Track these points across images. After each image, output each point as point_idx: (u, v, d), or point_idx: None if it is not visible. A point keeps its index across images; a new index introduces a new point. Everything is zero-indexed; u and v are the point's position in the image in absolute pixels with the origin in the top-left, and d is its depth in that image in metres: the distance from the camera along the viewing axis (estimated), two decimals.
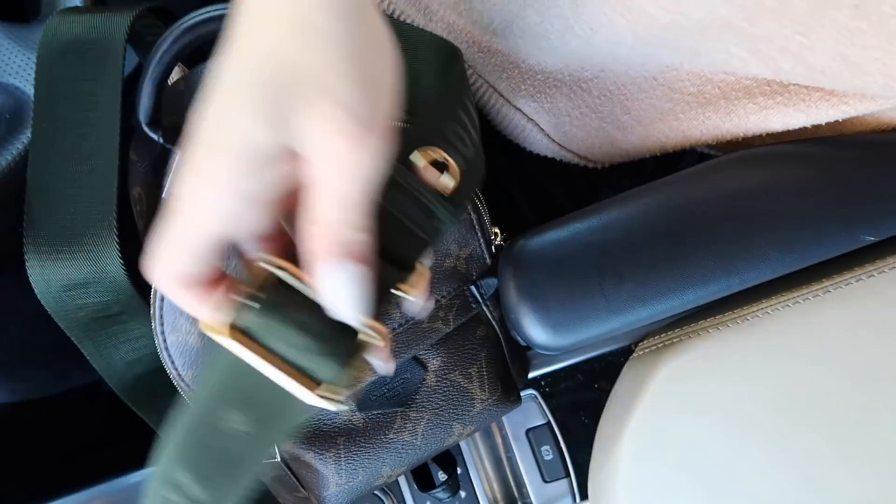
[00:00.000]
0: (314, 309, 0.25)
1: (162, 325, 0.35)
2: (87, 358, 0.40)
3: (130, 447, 0.46)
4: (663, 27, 0.33)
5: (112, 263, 0.37)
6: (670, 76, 0.39)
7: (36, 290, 0.37)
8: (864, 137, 0.36)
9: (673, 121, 0.40)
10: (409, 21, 0.47)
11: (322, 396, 0.25)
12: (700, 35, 0.33)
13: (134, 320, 0.40)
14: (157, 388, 0.41)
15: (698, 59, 0.36)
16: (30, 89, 0.40)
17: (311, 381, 0.25)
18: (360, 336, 0.25)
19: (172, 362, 0.36)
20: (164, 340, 0.35)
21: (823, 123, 0.36)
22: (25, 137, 0.40)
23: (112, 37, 0.36)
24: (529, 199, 0.51)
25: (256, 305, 0.24)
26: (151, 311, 0.35)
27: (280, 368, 0.25)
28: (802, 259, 0.34)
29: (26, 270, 0.40)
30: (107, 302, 0.38)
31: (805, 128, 0.37)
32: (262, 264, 0.25)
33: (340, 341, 0.25)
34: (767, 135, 0.39)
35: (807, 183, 0.35)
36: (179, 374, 0.36)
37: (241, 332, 0.25)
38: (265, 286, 0.25)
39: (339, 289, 0.24)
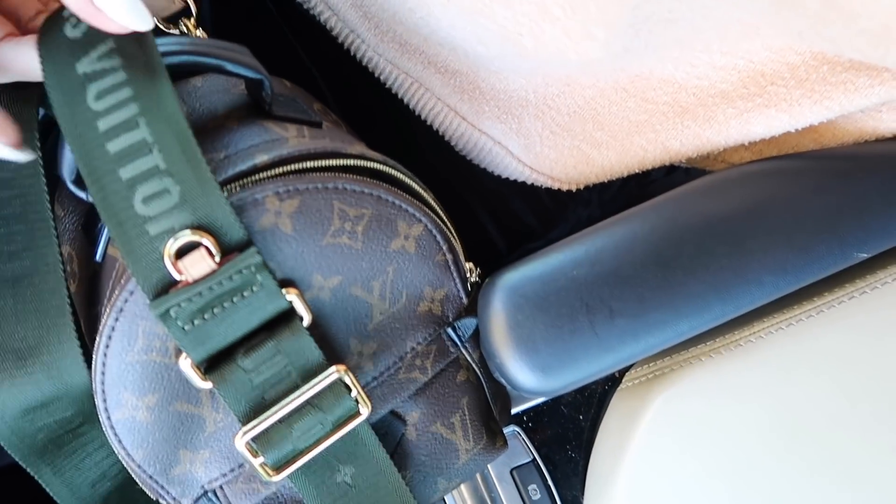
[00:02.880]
0: None
1: (105, 401, 0.31)
2: (46, 488, 0.35)
3: None
4: (636, 6, 0.31)
5: (77, 374, 0.33)
6: (641, 86, 0.37)
7: None
8: (848, 149, 0.35)
9: (650, 132, 0.38)
10: (360, 40, 0.44)
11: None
12: (678, 2, 0.31)
13: (93, 427, 0.36)
14: None
15: (671, 48, 0.34)
16: None
17: None
18: None
19: (120, 441, 0.32)
20: (109, 418, 0.31)
21: (807, 127, 0.35)
22: None
23: (24, 102, 0.32)
24: (496, 221, 0.49)
25: None
26: (93, 388, 0.31)
27: None
28: (797, 281, 0.33)
29: None
30: (69, 416, 0.35)
31: (788, 135, 0.36)
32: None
33: None
34: (750, 145, 0.37)
35: (796, 201, 0.33)
36: (129, 454, 0.32)
37: None
38: None
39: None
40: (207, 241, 0.28)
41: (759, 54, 0.33)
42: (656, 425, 0.36)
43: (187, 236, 0.28)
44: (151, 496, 0.34)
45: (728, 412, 0.35)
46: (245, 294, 0.29)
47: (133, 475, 0.33)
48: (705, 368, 0.36)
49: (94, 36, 0.28)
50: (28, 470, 0.35)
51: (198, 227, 0.28)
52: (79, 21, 0.28)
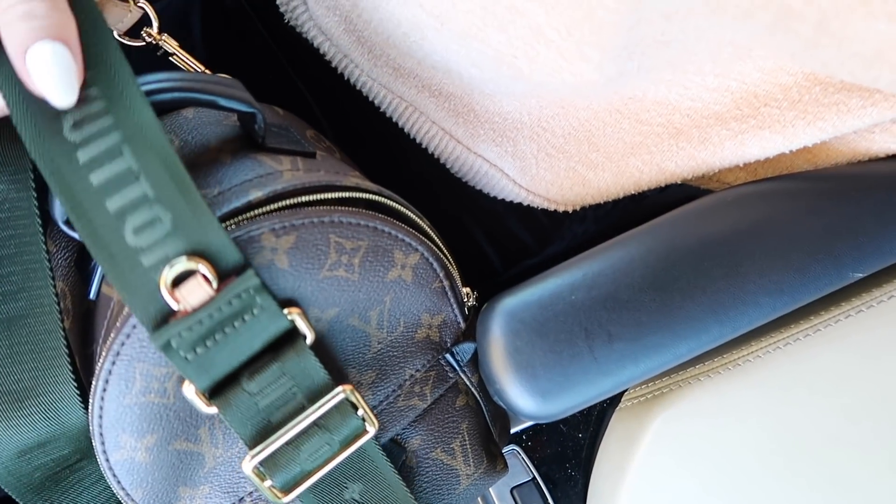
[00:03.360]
0: None
1: (103, 443, 0.31)
2: None
3: None
4: (629, 30, 0.31)
5: (73, 414, 0.33)
6: (635, 108, 0.37)
7: None
8: (841, 170, 0.35)
9: (645, 154, 0.38)
10: (353, 65, 0.43)
11: None
12: (667, 24, 0.31)
13: (90, 462, 0.35)
14: None
15: (665, 71, 0.34)
16: None
17: None
18: None
19: (119, 482, 0.31)
20: (107, 460, 0.31)
21: (801, 148, 0.35)
22: None
23: (18, 145, 0.31)
24: (492, 240, 0.49)
25: None
26: (90, 430, 0.30)
27: None
28: (794, 302, 0.33)
29: None
30: (66, 454, 0.34)
31: (783, 155, 0.36)
32: None
33: None
34: (745, 165, 0.37)
35: (792, 222, 0.33)
36: (128, 494, 0.32)
37: None
38: None
39: (44, 76, 0.25)
40: (203, 267, 0.27)
41: (752, 76, 0.33)
42: (656, 446, 0.36)
43: (183, 264, 0.27)
44: None
45: (727, 431, 0.35)
46: (246, 318, 0.29)
47: None
48: (704, 388, 0.36)
49: (124, 176, 0.27)
50: None
51: (192, 254, 0.27)
52: (103, 164, 0.27)
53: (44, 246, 0.32)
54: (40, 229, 0.32)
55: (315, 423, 0.31)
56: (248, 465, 0.30)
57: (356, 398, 0.32)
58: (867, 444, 0.34)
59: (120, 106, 0.27)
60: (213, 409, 0.30)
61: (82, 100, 0.27)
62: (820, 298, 0.34)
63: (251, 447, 0.30)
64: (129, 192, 0.27)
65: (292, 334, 0.30)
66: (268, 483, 0.31)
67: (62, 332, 0.33)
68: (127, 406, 0.30)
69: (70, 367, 0.33)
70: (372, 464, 0.33)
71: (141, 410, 0.30)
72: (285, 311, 0.30)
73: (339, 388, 0.31)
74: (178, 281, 0.27)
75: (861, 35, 0.27)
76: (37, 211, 0.31)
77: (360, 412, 0.32)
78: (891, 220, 0.33)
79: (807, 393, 0.35)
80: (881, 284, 0.35)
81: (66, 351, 0.32)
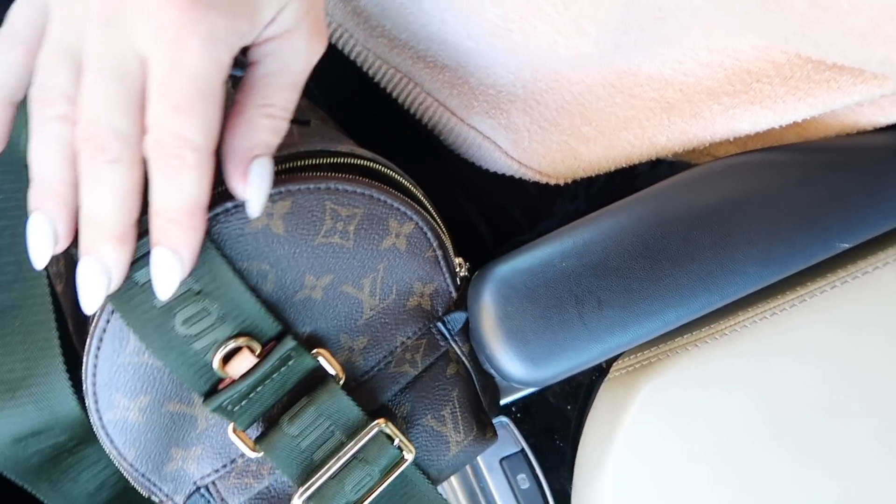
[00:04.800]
0: None
1: (96, 402, 0.31)
2: (42, 499, 0.36)
3: None
4: (629, 3, 0.32)
5: (67, 405, 0.34)
6: (628, 82, 0.38)
7: None
8: (830, 142, 0.36)
9: (637, 128, 0.39)
10: (348, 35, 0.43)
11: None
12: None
13: (91, 446, 0.36)
14: None
15: (662, 45, 0.35)
16: None
17: None
18: None
19: (111, 441, 0.32)
20: (101, 419, 0.31)
21: (791, 122, 0.35)
22: None
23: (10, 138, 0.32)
24: (484, 215, 0.49)
25: None
26: (84, 388, 0.31)
27: None
28: (781, 272, 0.34)
29: None
30: (62, 441, 0.35)
31: (773, 130, 0.37)
32: None
33: None
34: (735, 139, 0.38)
35: (780, 192, 0.34)
36: (120, 454, 0.32)
37: None
38: None
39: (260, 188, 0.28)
40: (249, 342, 0.31)
41: (746, 52, 0.34)
42: (643, 415, 0.37)
43: (231, 345, 0.30)
44: (144, 494, 0.34)
45: (713, 401, 0.36)
46: (283, 370, 0.32)
47: (125, 474, 0.33)
48: (691, 358, 0.37)
49: None
50: (25, 487, 0.36)
51: (238, 335, 0.30)
52: None
53: None
54: None
55: (355, 457, 0.33)
56: (298, 501, 0.32)
57: (391, 429, 0.34)
58: (850, 413, 0.35)
59: None
60: (259, 454, 0.32)
61: None
62: (807, 269, 0.35)
63: (299, 486, 0.32)
64: (178, 290, 0.29)
65: (324, 376, 0.33)
66: None
67: (55, 324, 0.34)
68: (120, 365, 0.30)
69: (62, 359, 0.34)
70: (414, 486, 0.35)
71: (135, 371, 0.31)
72: (314, 351, 0.33)
73: (374, 423, 0.33)
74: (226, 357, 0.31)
75: (857, 7, 0.27)
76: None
77: (397, 441, 0.34)
78: (876, 191, 0.33)
79: (792, 362, 0.35)
80: (866, 256, 0.35)
81: (59, 342, 0.33)
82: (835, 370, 0.35)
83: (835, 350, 0.35)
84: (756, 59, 0.34)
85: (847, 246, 0.34)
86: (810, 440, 0.35)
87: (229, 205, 0.30)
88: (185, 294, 0.29)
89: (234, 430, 0.32)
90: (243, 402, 0.31)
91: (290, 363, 0.32)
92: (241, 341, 0.31)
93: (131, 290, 0.28)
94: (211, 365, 0.30)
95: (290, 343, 0.31)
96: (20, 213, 0.32)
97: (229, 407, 0.31)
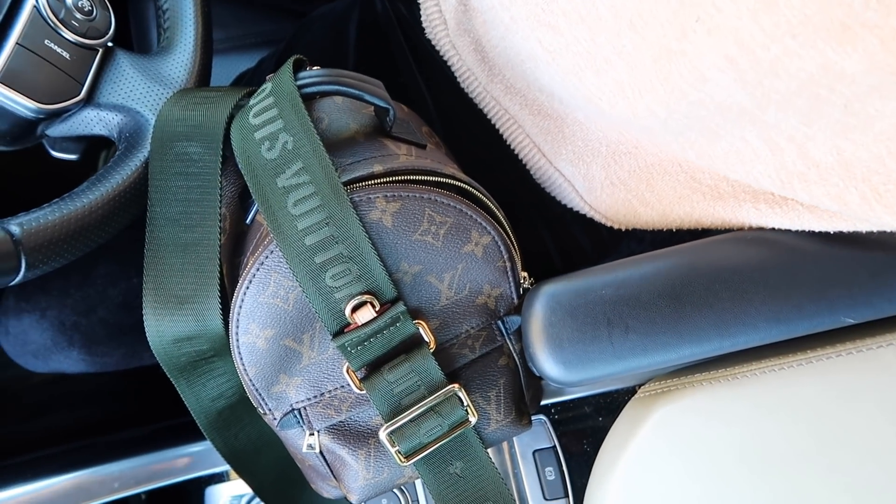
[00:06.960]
0: None
1: (237, 327, 0.41)
2: (180, 393, 0.46)
3: (183, 423, 0.53)
4: (690, 104, 0.37)
5: (214, 322, 0.43)
6: (692, 167, 0.43)
7: (149, 340, 0.43)
8: (843, 234, 0.40)
9: (688, 207, 0.44)
10: (473, 77, 0.52)
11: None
12: (721, 117, 0.37)
13: (221, 360, 0.45)
14: (232, 419, 0.48)
15: (719, 142, 0.41)
16: (148, 114, 0.46)
17: None
18: None
19: (241, 359, 0.42)
20: (237, 341, 0.41)
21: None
22: (143, 154, 0.45)
23: (215, 120, 0.42)
24: (556, 242, 0.56)
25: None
26: (230, 314, 0.41)
27: None
28: (788, 332, 0.39)
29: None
30: (204, 350, 0.44)
31: None
32: None
33: None
34: None
35: (797, 265, 0.39)
36: (245, 370, 0.42)
37: None
38: None
39: None
40: (372, 299, 0.39)
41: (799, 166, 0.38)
42: (655, 432, 0.42)
43: (360, 299, 0.39)
44: (254, 404, 0.44)
45: (715, 431, 0.41)
46: (392, 328, 0.40)
47: (245, 387, 0.43)
48: (704, 392, 0.42)
49: (287, 156, 0.39)
50: (171, 380, 0.45)
51: (366, 292, 0.39)
52: (272, 144, 0.40)
53: (219, 196, 0.43)
54: (220, 182, 0.43)
55: (432, 409, 0.42)
56: (384, 433, 0.41)
57: (463, 395, 0.42)
58: (830, 469, 0.38)
59: (325, 189, 0.39)
60: (362, 391, 0.41)
61: (299, 184, 0.39)
62: (817, 335, 0.39)
63: (387, 420, 0.42)
64: (332, 251, 0.39)
65: (419, 341, 0.41)
66: (395, 448, 0.42)
67: (219, 260, 0.44)
68: (260, 303, 0.40)
69: (218, 289, 0.43)
70: (472, 447, 0.43)
71: (269, 309, 0.40)
72: (415, 321, 0.41)
73: (451, 385, 0.42)
74: (355, 307, 0.39)
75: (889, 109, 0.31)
76: (220, 168, 0.43)
77: (466, 405, 0.42)
78: (884, 281, 0.38)
79: (788, 413, 0.40)
80: (874, 335, 0.40)
81: (219, 274, 0.43)
82: (824, 430, 0.39)
83: (828, 412, 0.39)
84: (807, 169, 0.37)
85: (851, 321, 0.38)
86: (790, 484, 0.39)
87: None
88: (338, 256, 0.38)
89: (348, 370, 0.41)
90: (359, 347, 0.39)
91: (397, 324, 0.40)
92: (366, 297, 0.39)
93: (304, 253, 0.38)
94: (343, 311, 0.39)
95: (401, 307, 0.40)
96: (210, 177, 0.43)
97: (349, 348, 0.40)
